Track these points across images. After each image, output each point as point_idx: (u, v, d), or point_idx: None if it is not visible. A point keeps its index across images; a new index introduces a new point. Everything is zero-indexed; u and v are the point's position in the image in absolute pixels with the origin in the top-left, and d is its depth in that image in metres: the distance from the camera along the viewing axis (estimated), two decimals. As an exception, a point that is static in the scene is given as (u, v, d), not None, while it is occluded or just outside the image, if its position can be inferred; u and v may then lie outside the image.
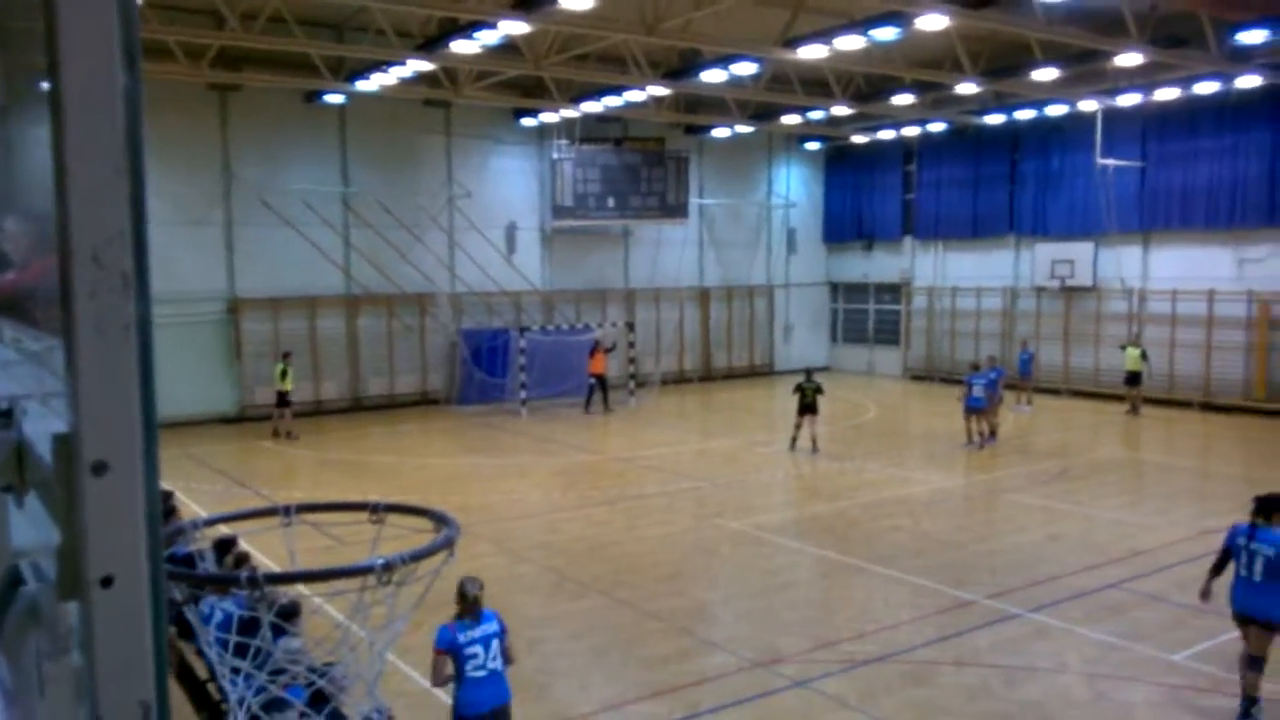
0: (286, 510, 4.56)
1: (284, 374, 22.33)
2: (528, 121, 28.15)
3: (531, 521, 15.63)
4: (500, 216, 28.68)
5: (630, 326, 28.53)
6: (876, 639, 10.21)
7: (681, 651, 10.07)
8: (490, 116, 27.88)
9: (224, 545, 8.04)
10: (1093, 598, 11.38)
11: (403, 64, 20.76)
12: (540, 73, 22.04)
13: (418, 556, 3.87)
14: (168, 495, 10.77)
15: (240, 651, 4.42)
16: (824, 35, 18.54)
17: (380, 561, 3.73)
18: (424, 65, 20.99)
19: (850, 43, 18.38)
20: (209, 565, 5.87)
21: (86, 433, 1.16)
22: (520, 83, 25.27)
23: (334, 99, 24.20)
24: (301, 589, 6.37)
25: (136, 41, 1.16)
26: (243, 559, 7.80)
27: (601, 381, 26.03)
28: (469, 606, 6.92)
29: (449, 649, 6.76)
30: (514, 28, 17.40)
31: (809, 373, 20.98)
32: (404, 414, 25.94)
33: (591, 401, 26.05)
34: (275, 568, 8.87)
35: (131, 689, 1.26)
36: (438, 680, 6.85)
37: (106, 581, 1.23)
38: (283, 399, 22.37)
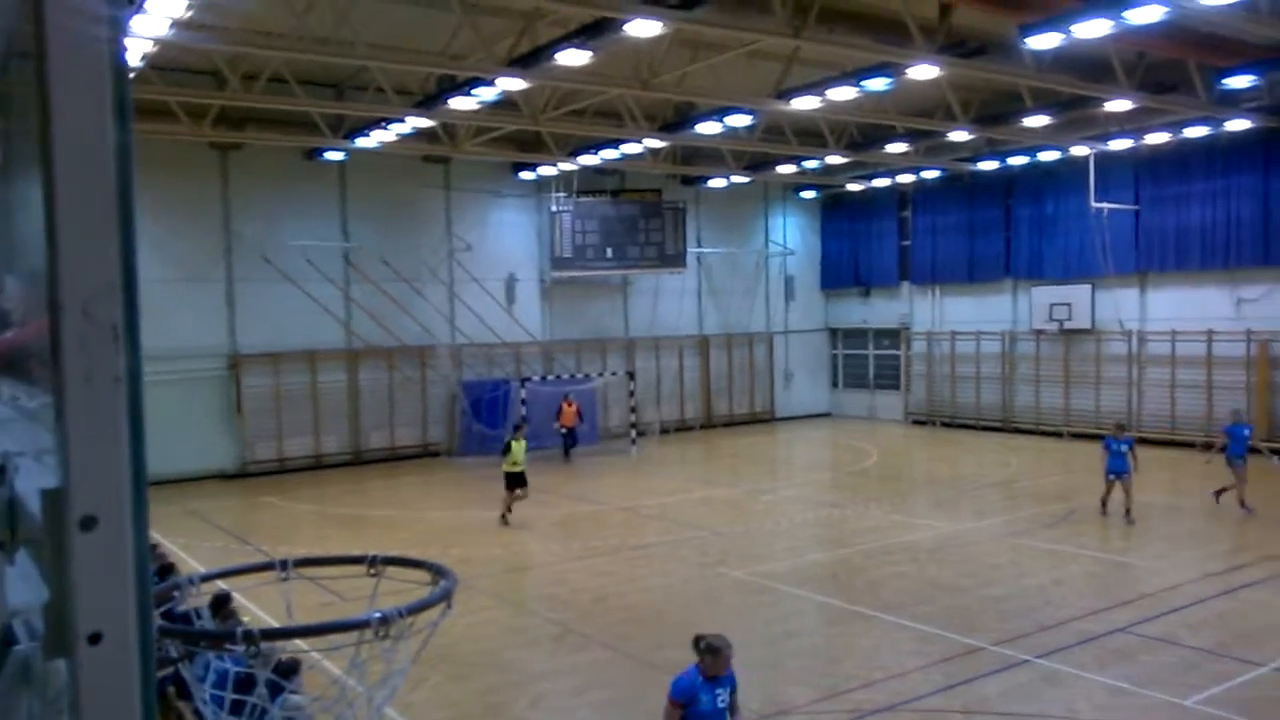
0: (284, 564, 4.53)
1: (511, 449, 18.69)
2: (526, 175, 28.44)
3: (533, 573, 15.49)
4: (500, 269, 28.85)
5: (630, 375, 28.55)
6: (884, 688, 10.06)
7: (686, 704, 9.90)
8: (489, 171, 28.17)
9: (219, 602, 7.96)
10: (1101, 642, 11.23)
11: (402, 121, 21.01)
12: (538, 127, 22.30)
13: (415, 610, 3.83)
14: (153, 546, 10.71)
15: (236, 709, 4.36)
16: (817, 87, 18.79)
17: (377, 615, 3.69)
18: (423, 122, 21.25)
19: (843, 93, 18.62)
20: (205, 623, 5.81)
21: (75, 486, 1.16)
22: (518, 137, 25.56)
23: (334, 156, 24.48)
24: (300, 644, 6.30)
25: (128, 97, 1.18)
26: (229, 614, 7.73)
27: (571, 433, 26.05)
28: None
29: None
30: (511, 84, 17.66)
31: None
32: (405, 467, 25.84)
33: (570, 452, 26.08)
34: (273, 623, 8.77)
35: (120, 748, 1.24)
36: None
37: (95, 638, 1.21)
38: (515, 480, 18.61)
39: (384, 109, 20.53)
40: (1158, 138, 23.90)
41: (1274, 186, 24.33)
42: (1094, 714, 9.32)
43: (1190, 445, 25.51)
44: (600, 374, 28.89)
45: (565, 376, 28.05)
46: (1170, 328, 26.46)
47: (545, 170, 27.69)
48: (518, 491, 18.51)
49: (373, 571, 4.42)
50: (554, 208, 28.88)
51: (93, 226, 1.15)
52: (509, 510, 18.50)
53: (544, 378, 27.52)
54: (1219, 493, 18.21)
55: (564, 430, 25.99)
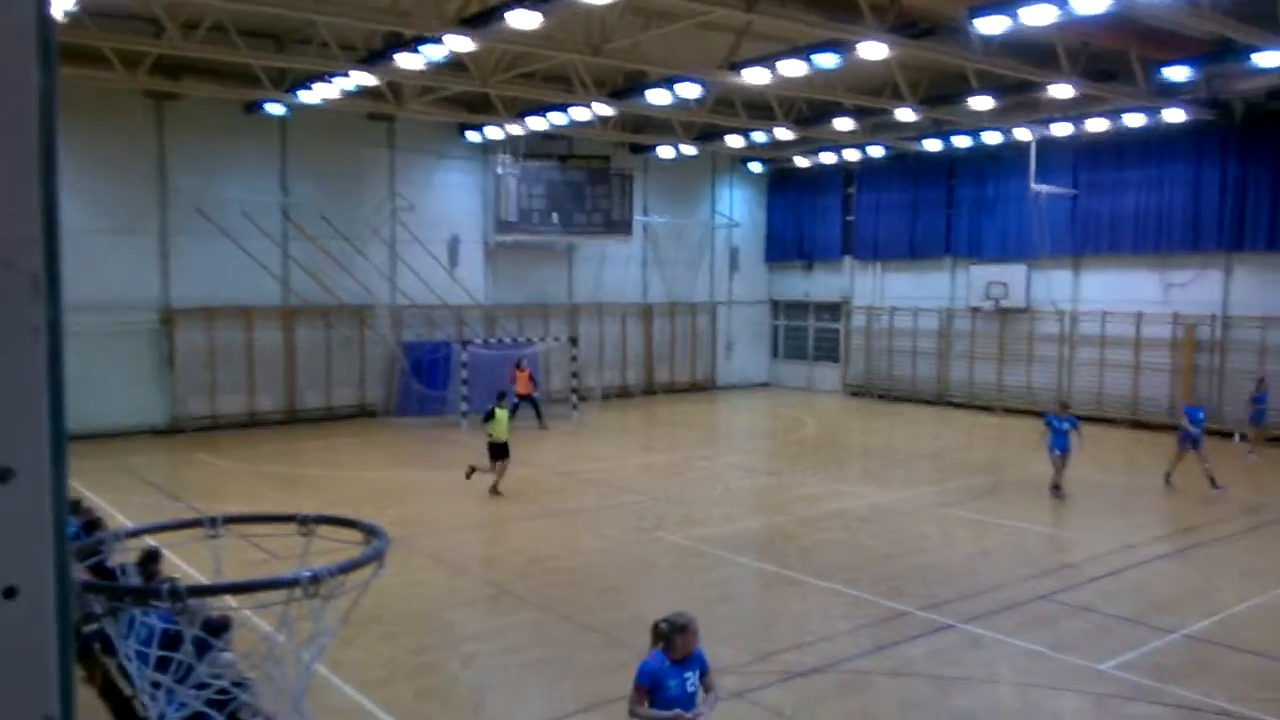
0: (213, 521, 4.48)
1: (495, 416, 18.07)
2: (472, 136, 28.05)
3: (470, 534, 15.50)
4: (443, 230, 28.50)
5: (573, 341, 28.51)
6: (813, 650, 10.30)
7: (619, 664, 10.01)
8: (435, 131, 27.74)
9: (148, 558, 7.84)
10: (1023, 609, 11.61)
11: (346, 76, 20.54)
12: (486, 89, 21.99)
13: (346, 569, 3.83)
14: (76, 502, 10.53)
15: (162, 666, 4.32)
16: (767, 60, 18.80)
17: (307, 574, 3.68)
18: (367, 78, 20.81)
19: (793, 68, 18.65)
20: (131, 579, 5.73)
21: (-9, 437, 1.15)
22: (465, 98, 25.19)
23: (275, 110, 23.85)
24: (230, 602, 6.25)
25: (54, 39, 1.16)
26: (156, 571, 7.63)
27: (529, 400, 25.57)
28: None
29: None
30: (460, 44, 17.35)
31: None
32: (341, 426, 25.56)
33: (515, 415, 25.19)
34: (202, 580, 8.69)
35: (35, 703, 1.23)
36: None
37: (10, 592, 1.21)
38: (499, 450, 17.94)
39: (328, 63, 20.06)
40: (1097, 125, 24.38)
41: (1205, 176, 25.02)
42: (1013, 676, 9.66)
43: (1118, 422, 26.35)
44: (543, 338, 28.79)
45: (507, 340, 27.90)
46: (1101, 309, 27.18)
47: (492, 132, 27.32)
48: (499, 464, 17.69)
49: (304, 530, 4.41)
50: (500, 170, 28.55)
51: (12, 174, 1.13)
52: (473, 470, 17.91)
53: (486, 341, 27.33)
54: (1212, 481, 18.12)
55: (519, 398, 25.56)
